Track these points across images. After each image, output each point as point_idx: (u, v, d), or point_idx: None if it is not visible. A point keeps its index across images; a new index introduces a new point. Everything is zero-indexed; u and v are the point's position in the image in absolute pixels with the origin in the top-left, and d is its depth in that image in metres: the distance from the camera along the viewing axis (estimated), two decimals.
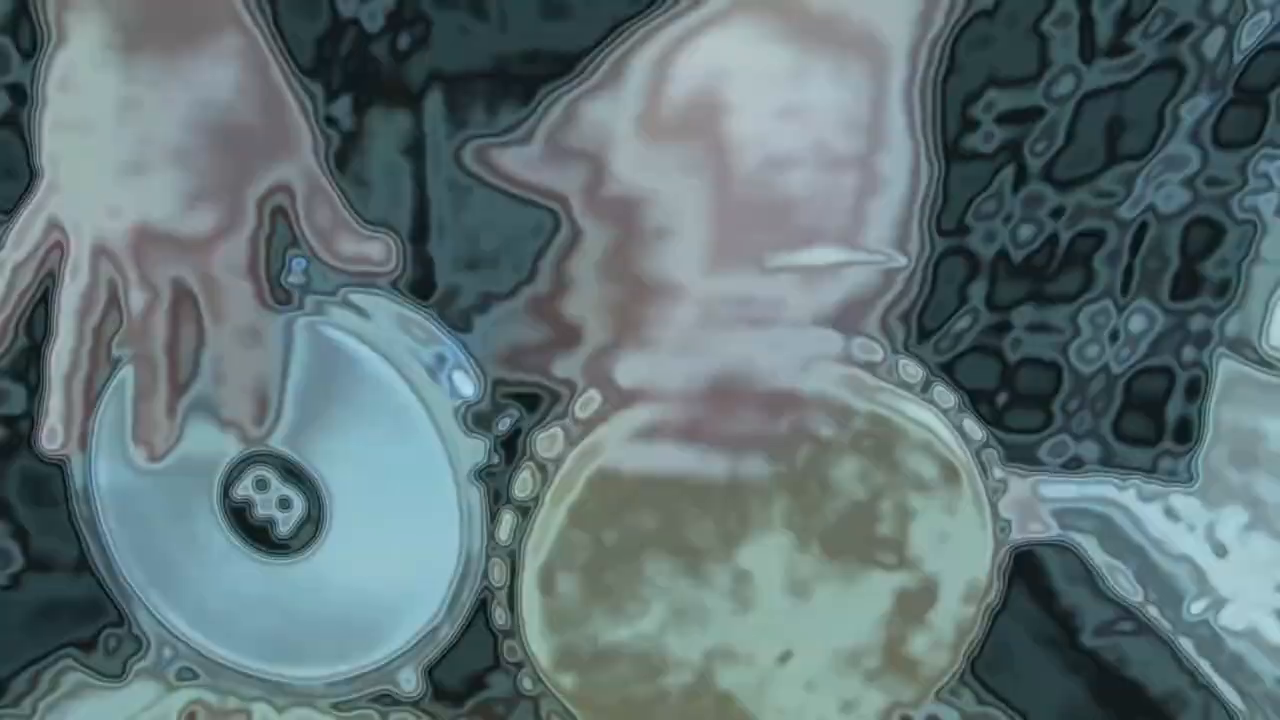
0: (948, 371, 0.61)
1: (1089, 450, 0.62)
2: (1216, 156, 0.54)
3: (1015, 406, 0.60)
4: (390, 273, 0.43)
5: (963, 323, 0.62)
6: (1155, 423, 0.61)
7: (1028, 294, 0.60)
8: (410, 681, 0.52)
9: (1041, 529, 0.63)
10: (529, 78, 0.45)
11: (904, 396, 0.41)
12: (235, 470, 0.50)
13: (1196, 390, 0.61)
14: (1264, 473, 0.89)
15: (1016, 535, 0.59)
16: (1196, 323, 0.59)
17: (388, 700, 0.55)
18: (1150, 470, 0.62)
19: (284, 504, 0.50)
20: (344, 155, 0.52)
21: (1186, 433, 0.61)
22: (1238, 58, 0.51)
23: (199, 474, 0.50)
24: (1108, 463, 0.62)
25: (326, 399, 0.48)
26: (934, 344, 0.62)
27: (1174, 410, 0.61)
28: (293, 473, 0.49)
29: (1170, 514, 0.81)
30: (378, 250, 0.43)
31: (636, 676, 0.45)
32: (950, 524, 0.43)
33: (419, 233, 0.52)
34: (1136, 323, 0.58)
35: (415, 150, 0.52)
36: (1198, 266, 0.57)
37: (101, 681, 0.56)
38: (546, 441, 0.42)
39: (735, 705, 0.46)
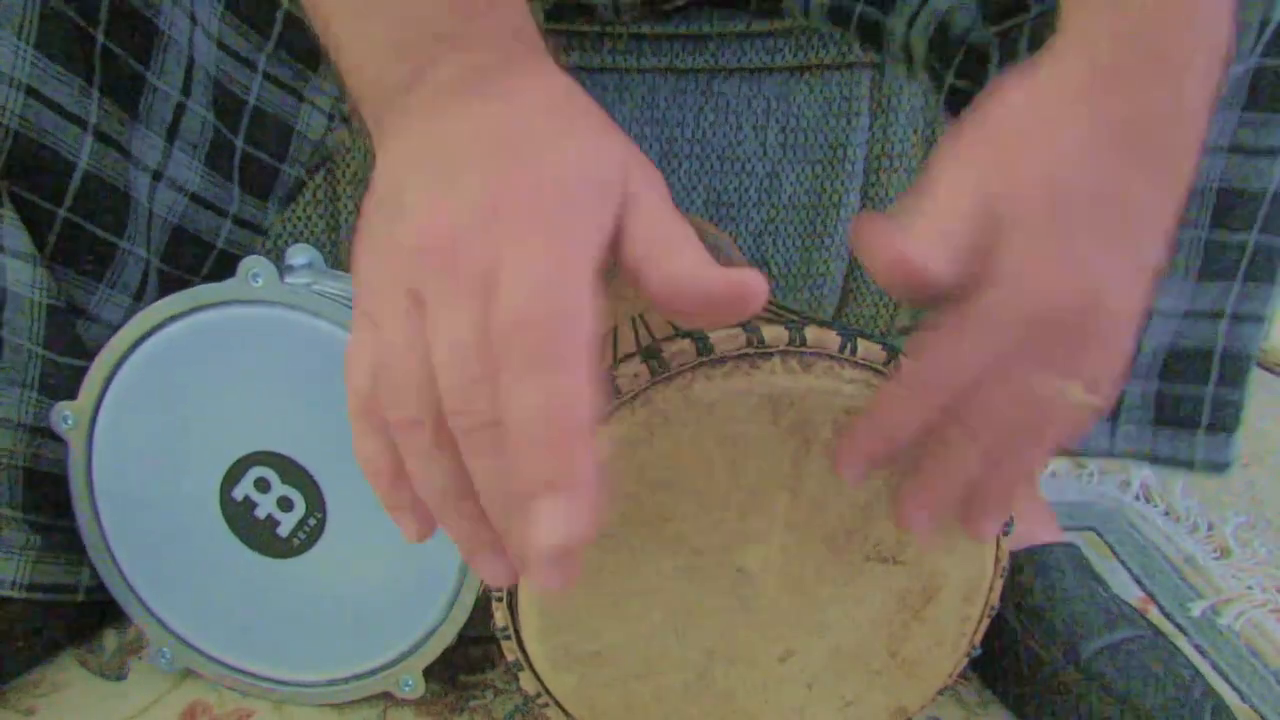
0: None
1: (1128, 438, 0.61)
2: (1250, 122, 0.52)
3: None
4: None
5: None
6: (1194, 407, 0.59)
7: None
8: (410, 683, 0.52)
9: (1043, 529, 0.62)
10: None
11: None
12: (236, 471, 0.50)
13: (1237, 373, 0.58)
14: (1266, 473, 0.89)
15: (1018, 535, 0.59)
16: (1232, 299, 0.56)
17: (388, 700, 0.55)
18: (1189, 465, 0.60)
19: (285, 505, 0.50)
20: None
21: (1225, 418, 0.60)
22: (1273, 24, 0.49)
23: (200, 475, 0.50)
24: (1151, 455, 0.60)
25: (330, 399, 0.48)
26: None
27: (1211, 394, 0.59)
28: (294, 473, 0.49)
29: (1171, 514, 0.81)
30: None
31: (636, 676, 0.45)
32: (952, 523, 0.43)
33: None
34: (1167, 298, 0.56)
35: None
36: (1230, 239, 0.55)
37: (101, 681, 0.56)
38: None
39: (735, 705, 0.46)
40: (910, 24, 0.62)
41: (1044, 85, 0.35)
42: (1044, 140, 0.33)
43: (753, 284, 0.30)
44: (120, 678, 0.56)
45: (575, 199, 0.30)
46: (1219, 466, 0.60)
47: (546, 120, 0.32)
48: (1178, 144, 0.34)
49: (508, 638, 0.45)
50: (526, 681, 0.46)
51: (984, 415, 0.34)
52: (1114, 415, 0.60)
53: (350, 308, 0.47)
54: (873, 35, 0.67)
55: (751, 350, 0.40)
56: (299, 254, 0.53)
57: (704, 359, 0.40)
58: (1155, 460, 0.61)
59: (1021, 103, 0.35)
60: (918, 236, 0.33)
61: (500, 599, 0.44)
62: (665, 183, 0.33)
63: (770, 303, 0.51)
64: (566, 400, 0.28)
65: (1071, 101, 0.34)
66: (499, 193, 0.29)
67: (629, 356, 0.42)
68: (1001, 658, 0.56)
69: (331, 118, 0.61)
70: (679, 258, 0.31)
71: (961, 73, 0.58)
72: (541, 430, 0.28)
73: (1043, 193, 0.33)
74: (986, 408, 0.34)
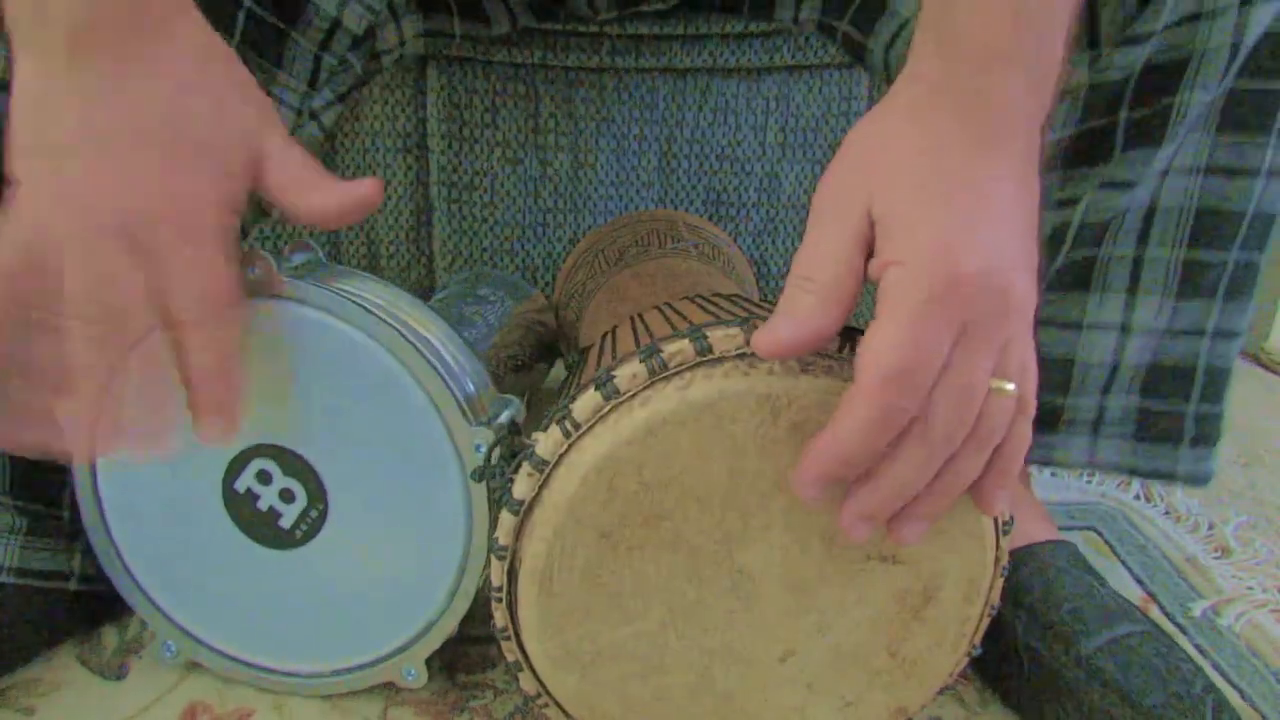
0: None
1: (1110, 451, 0.61)
2: (1226, 144, 0.53)
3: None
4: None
5: None
6: (1176, 422, 0.60)
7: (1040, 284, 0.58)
8: (412, 673, 0.52)
9: (1043, 528, 0.62)
10: None
11: None
12: (238, 464, 0.50)
13: (1217, 388, 0.59)
14: (1267, 472, 0.89)
15: (1016, 534, 0.59)
16: (1213, 317, 0.57)
17: (390, 697, 0.55)
18: (1171, 477, 0.61)
19: (286, 496, 0.50)
20: None
21: (1207, 432, 0.60)
22: (1247, 44, 0.49)
23: (202, 468, 0.50)
24: (1133, 468, 0.61)
25: (330, 391, 0.48)
26: None
27: (1193, 409, 0.59)
28: (295, 465, 0.49)
29: (1171, 514, 0.81)
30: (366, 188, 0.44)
31: (636, 676, 0.45)
32: (951, 523, 0.43)
33: None
34: (1147, 316, 0.57)
35: None
36: (1209, 258, 0.55)
37: (101, 681, 0.56)
38: (546, 442, 0.42)
39: (735, 705, 0.46)
40: (889, 46, 0.63)
41: (880, 115, 0.39)
42: (886, 148, 0.38)
43: (369, 190, 0.42)
44: (120, 677, 0.56)
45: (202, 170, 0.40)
46: (1201, 479, 0.61)
47: (179, 101, 0.39)
48: (1004, 129, 0.38)
49: (508, 638, 0.45)
50: (526, 681, 0.46)
51: (931, 416, 0.36)
52: (1095, 429, 0.61)
53: (350, 302, 0.47)
54: (856, 52, 0.67)
55: (750, 350, 0.40)
56: (298, 249, 0.53)
57: (703, 359, 0.40)
58: (1136, 473, 0.61)
59: (863, 133, 0.39)
60: (791, 314, 0.38)
61: (500, 599, 0.44)
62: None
63: (771, 303, 0.51)
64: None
65: (904, 120, 0.38)
66: (156, 177, 0.39)
67: (629, 356, 0.42)
68: (1002, 656, 0.56)
69: (300, 113, 0.61)
70: (313, 193, 0.42)
71: None
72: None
73: (899, 180, 0.37)
74: (932, 407, 0.36)
